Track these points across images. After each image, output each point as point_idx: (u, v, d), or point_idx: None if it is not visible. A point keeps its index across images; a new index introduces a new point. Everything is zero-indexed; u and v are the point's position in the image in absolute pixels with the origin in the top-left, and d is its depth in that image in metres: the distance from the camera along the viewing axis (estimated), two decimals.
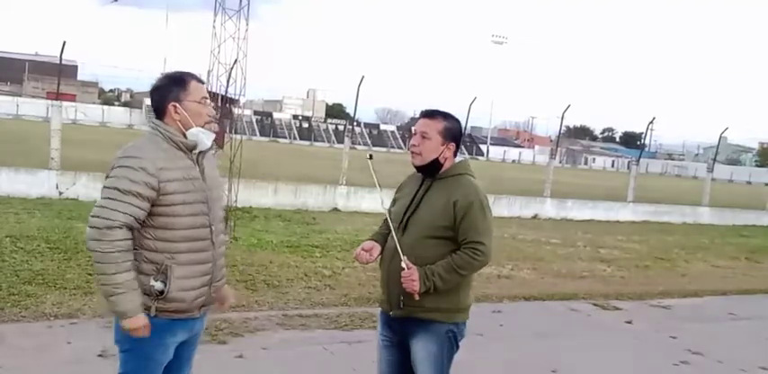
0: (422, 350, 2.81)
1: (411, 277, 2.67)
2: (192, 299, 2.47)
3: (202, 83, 2.56)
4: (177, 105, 2.45)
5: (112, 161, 2.41)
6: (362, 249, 2.85)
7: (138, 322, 2.36)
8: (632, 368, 5.04)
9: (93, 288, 5.50)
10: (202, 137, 2.48)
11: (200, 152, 2.52)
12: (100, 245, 2.30)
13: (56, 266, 6.16)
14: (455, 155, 2.88)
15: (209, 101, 2.55)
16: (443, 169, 2.85)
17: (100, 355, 3.98)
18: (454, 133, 2.85)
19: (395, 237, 2.76)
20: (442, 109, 2.92)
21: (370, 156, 3.07)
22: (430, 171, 2.85)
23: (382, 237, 2.95)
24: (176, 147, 2.45)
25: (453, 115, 2.90)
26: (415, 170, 2.95)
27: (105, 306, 2.36)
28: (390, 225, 2.83)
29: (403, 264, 2.69)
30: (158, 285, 2.39)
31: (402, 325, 2.86)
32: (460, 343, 2.91)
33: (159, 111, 2.49)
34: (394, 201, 3.01)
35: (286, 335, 4.95)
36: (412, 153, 2.86)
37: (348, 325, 5.31)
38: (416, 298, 2.70)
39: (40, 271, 5.90)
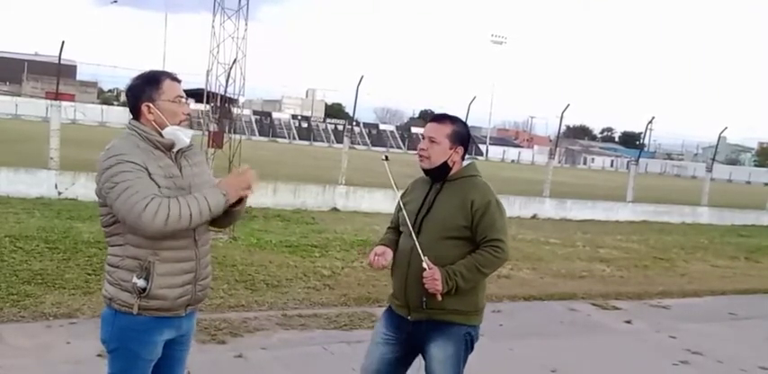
0: (440, 353, 2.80)
1: (433, 277, 2.67)
2: (176, 298, 2.45)
3: (178, 81, 2.52)
4: (151, 105, 2.44)
5: (98, 165, 2.38)
6: (376, 254, 2.84)
7: (231, 186, 2.45)
8: (632, 368, 5.03)
9: (93, 288, 5.50)
10: (180, 134, 2.46)
11: (179, 151, 2.50)
12: (164, 223, 2.27)
13: (55, 266, 6.15)
14: (463, 159, 2.91)
15: (184, 99, 2.52)
16: (453, 172, 2.87)
17: (99, 355, 3.97)
18: (462, 137, 2.87)
19: (414, 239, 2.75)
20: (450, 113, 2.94)
21: (386, 158, 3.06)
22: (438, 174, 2.87)
23: (392, 242, 2.94)
24: (153, 147, 2.43)
25: (461, 119, 2.92)
26: (420, 174, 2.96)
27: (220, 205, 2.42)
28: (409, 227, 2.80)
29: (424, 265, 2.69)
30: (141, 282, 2.38)
31: (419, 328, 2.83)
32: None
33: (134, 111, 2.48)
34: (403, 205, 2.98)
35: (285, 335, 4.95)
36: (420, 157, 2.88)
37: (347, 324, 5.31)
38: (439, 298, 2.70)
39: (39, 271, 5.89)
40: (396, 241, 2.94)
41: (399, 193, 2.94)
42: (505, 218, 2.83)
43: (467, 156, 2.96)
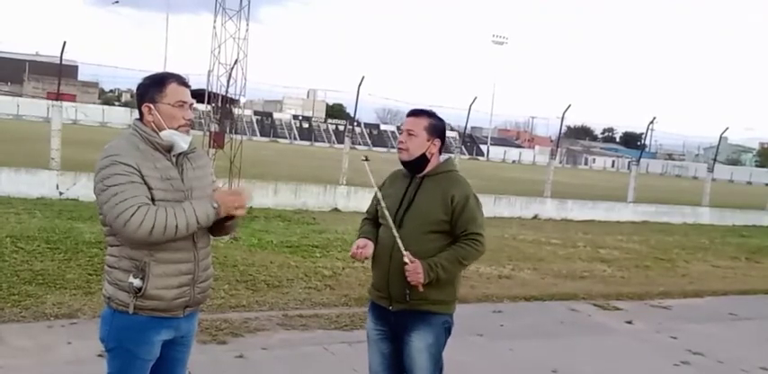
0: (420, 341, 2.90)
1: (416, 270, 2.76)
2: (172, 298, 2.45)
3: (186, 86, 2.50)
4: (151, 106, 2.44)
5: (96, 165, 2.39)
6: (357, 247, 2.91)
7: (225, 203, 2.41)
8: (632, 368, 5.03)
9: (94, 288, 5.51)
10: (177, 139, 2.45)
11: (181, 153, 2.49)
12: (148, 233, 2.28)
13: (56, 266, 6.16)
14: (440, 153, 3.01)
15: (188, 104, 2.49)
16: (432, 166, 2.97)
17: (100, 355, 3.97)
18: (439, 130, 2.98)
19: (395, 233, 2.82)
20: (428, 109, 3.07)
21: (366, 158, 3.12)
22: (417, 166, 2.96)
23: (373, 234, 3.01)
24: (153, 148, 2.43)
25: (438, 114, 3.03)
26: (394, 169, 3.05)
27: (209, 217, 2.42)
28: (389, 222, 2.87)
29: (406, 259, 2.77)
30: (136, 282, 2.38)
31: (400, 318, 2.93)
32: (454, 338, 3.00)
33: (139, 110, 2.49)
34: (382, 198, 3.04)
35: (286, 335, 4.95)
36: (399, 149, 2.97)
37: (348, 325, 5.31)
38: (420, 290, 2.79)
39: (40, 272, 5.90)
40: (375, 233, 3.01)
41: (378, 190, 2.99)
42: (482, 212, 2.94)
43: (452, 155, 3.00)
